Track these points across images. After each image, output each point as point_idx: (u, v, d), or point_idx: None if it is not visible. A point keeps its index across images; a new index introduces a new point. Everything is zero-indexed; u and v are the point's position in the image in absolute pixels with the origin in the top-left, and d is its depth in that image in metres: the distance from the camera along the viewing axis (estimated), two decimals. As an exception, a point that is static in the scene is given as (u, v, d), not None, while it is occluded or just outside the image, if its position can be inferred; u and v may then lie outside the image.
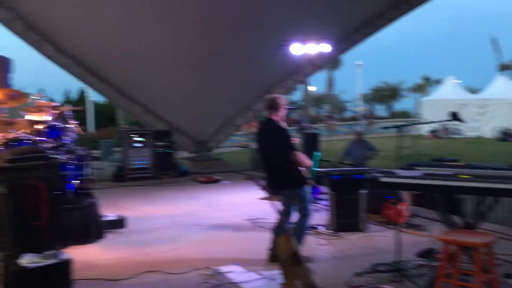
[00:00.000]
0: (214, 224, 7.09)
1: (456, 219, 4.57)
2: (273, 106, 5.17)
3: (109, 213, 6.95)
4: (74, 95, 29.35)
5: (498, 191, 3.94)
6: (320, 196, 8.28)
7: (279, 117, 5.19)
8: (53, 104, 6.92)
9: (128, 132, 11.78)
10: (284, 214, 5.10)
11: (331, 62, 33.51)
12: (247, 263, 5.19)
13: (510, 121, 27.31)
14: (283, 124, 5.20)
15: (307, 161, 5.21)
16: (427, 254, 5.17)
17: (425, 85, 44.03)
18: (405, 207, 6.71)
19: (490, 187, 3.94)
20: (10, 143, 5.44)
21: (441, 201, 4.46)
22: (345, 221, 6.36)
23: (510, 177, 4.01)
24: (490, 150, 20.79)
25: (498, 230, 6.23)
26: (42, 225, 4.17)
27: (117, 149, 16.32)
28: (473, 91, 36.14)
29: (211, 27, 10.44)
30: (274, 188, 5.27)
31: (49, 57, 10.94)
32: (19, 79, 8.77)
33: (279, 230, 4.85)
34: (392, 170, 4.56)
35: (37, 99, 7.41)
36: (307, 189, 5.26)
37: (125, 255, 5.63)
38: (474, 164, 4.49)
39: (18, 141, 5.55)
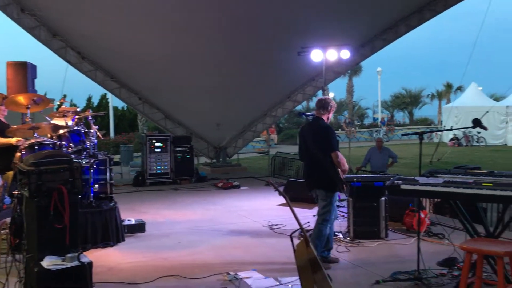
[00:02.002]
0: (232, 230, 7.10)
1: (478, 228, 4.49)
2: (324, 106, 5.39)
3: (129, 217, 7.02)
4: (96, 100, 29.75)
5: (522, 199, 3.86)
6: (339, 203, 8.23)
7: (327, 118, 5.40)
8: (76, 109, 7.03)
9: (148, 137, 11.89)
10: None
11: (351, 69, 33.33)
12: (265, 269, 5.17)
13: (534, 128, 26.78)
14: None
15: (346, 165, 5.27)
16: (448, 263, 5.09)
17: (447, 92, 43.39)
18: (426, 215, 6.62)
19: (514, 195, 3.86)
20: (33, 147, 5.54)
21: (462, 209, 4.39)
22: (364, 228, 6.32)
23: (534, 186, 3.93)
24: (514, 158, 20.38)
25: (522, 239, 6.10)
26: (64, 228, 4.23)
27: (137, 154, 16.52)
28: (497, 98, 35.54)
29: (231, 34, 10.52)
30: (309, 186, 5.44)
31: (72, 63, 11.14)
32: (43, 84, 8.95)
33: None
34: (412, 177, 4.51)
35: (60, 104, 7.56)
36: (337, 195, 5.32)
37: (144, 259, 5.67)
38: (496, 172, 4.42)
39: (41, 145, 5.65)
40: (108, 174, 6.73)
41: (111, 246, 6.12)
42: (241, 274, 4.95)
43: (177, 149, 11.98)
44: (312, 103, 41.72)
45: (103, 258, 5.62)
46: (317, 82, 13.18)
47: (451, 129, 7.37)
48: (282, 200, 4.72)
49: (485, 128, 4.99)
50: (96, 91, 29.91)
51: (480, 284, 3.83)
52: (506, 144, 27.20)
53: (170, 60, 11.17)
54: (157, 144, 11.77)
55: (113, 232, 6.21)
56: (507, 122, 27.66)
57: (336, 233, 6.42)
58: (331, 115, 5.48)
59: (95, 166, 6.34)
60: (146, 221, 7.07)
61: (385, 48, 12.29)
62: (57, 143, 5.99)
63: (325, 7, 9.97)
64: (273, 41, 10.88)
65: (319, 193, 5.31)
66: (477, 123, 4.83)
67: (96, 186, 6.41)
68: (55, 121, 6.72)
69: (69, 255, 4.02)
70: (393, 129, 34.82)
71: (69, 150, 6.10)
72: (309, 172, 5.49)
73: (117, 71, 11.85)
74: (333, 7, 10.03)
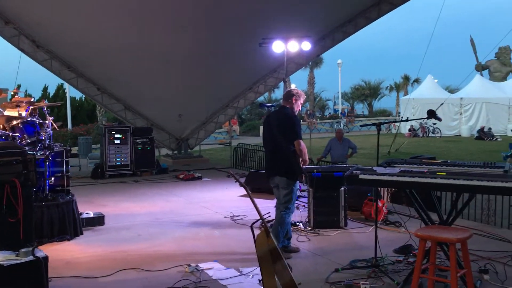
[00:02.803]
0: (194, 221, 7.07)
1: (433, 216, 4.65)
2: (287, 96, 5.53)
3: (87, 211, 6.88)
4: (52, 91, 28.82)
5: (473, 187, 4.01)
6: (300, 193, 8.32)
7: (292, 108, 5.44)
8: (30, 99, 6.80)
9: (107, 128, 11.64)
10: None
11: (312, 60, 33.65)
12: (226, 260, 5.19)
13: (486, 120, 27.91)
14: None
15: (307, 156, 5.33)
16: (404, 250, 5.26)
17: (404, 84, 44.51)
18: (384, 204, 6.80)
19: (465, 184, 4.01)
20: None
21: (417, 198, 4.53)
22: (324, 218, 6.42)
23: (485, 174, 4.09)
24: (467, 148, 21.19)
25: (473, 226, 6.36)
26: (18, 222, 4.10)
27: (96, 146, 16.17)
28: (451, 90, 36.74)
29: (193, 25, 10.39)
30: (270, 173, 5.47)
31: (26, 52, 10.74)
32: (-5, 74, 8.59)
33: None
34: (370, 167, 4.61)
35: (14, 95, 7.30)
36: (297, 184, 5.37)
37: (103, 252, 5.57)
38: (450, 162, 4.57)
39: (-7, 136, 5.44)
40: (64, 166, 6.56)
41: (68, 240, 5.99)
42: (202, 265, 4.94)
43: (138, 140, 11.80)
44: (274, 95, 42.03)
45: (60, 252, 5.49)
46: (278, 73, 13.24)
47: (407, 120, 7.63)
48: (244, 191, 4.75)
49: (439, 119, 5.14)
50: (52, 81, 29.04)
51: (434, 270, 3.96)
52: (460, 135, 28.22)
53: (130, 50, 10.93)
54: (116, 135, 11.54)
55: (70, 226, 6.07)
56: (461, 114, 28.69)
57: (297, 223, 6.51)
58: (298, 106, 5.49)
59: (50, 158, 6.17)
60: (105, 214, 6.96)
61: (346, 40, 12.48)
62: (10, 134, 5.78)
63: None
64: (235, 32, 10.82)
65: (280, 181, 5.35)
66: (431, 114, 4.97)
67: (52, 178, 6.24)
68: (8, 112, 6.49)
69: (23, 249, 3.90)
70: (353, 120, 35.47)
71: (23, 142, 5.91)
72: (271, 159, 5.53)
73: (74, 61, 11.51)
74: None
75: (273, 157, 5.49)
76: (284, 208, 5.33)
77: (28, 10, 9.89)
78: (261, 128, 5.46)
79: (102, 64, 11.53)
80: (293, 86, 43.89)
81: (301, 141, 5.24)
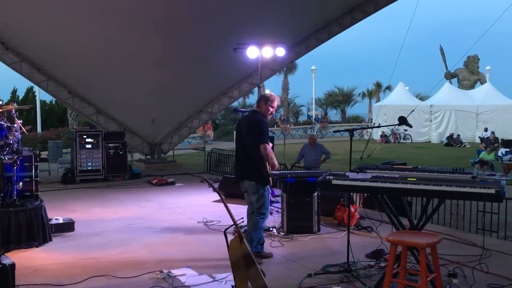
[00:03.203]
0: (166, 227, 7.00)
1: (404, 221, 4.72)
2: (258, 101, 5.62)
3: (56, 216, 6.71)
4: (21, 94, 28.15)
5: (442, 193, 4.09)
6: (274, 198, 8.34)
7: (264, 112, 5.45)
8: (-2, 102, 6.62)
9: (78, 133, 11.42)
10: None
11: (286, 66, 33.85)
12: (199, 266, 5.14)
13: (455, 127, 28.62)
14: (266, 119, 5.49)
15: (275, 161, 5.32)
16: (376, 255, 5.32)
17: (377, 91, 45.22)
18: (356, 209, 6.87)
19: (435, 189, 4.09)
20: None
21: (389, 203, 4.59)
22: (297, 223, 6.44)
23: (454, 180, 4.18)
24: (437, 154, 21.67)
25: (443, 231, 6.49)
26: (-17, 228, 3.98)
27: (67, 150, 15.86)
28: (422, 98, 37.55)
29: (166, 28, 10.31)
30: (239, 178, 5.47)
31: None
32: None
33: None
34: (343, 172, 4.66)
35: (-19, 97, 7.08)
36: (268, 189, 5.38)
37: (72, 259, 5.45)
38: (420, 168, 4.66)
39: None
40: (33, 171, 6.40)
41: (37, 246, 5.83)
42: (175, 272, 4.89)
43: (110, 145, 11.62)
44: (248, 100, 42.08)
45: (28, 259, 5.35)
46: (253, 79, 13.26)
47: (379, 126, 7.78)
48: (217, 196, 4.72)
49: (410, 126, 5.24)
50: (22, 84, 28.26)
51: (404, 274, 4.02)
52: (430, 141, 28.84)
53: (102, 54, 10.78)
54: (88, 140, 11.35)
55: (38, 232, 5.91)
56: (431, 121, 29.34)
57: (270, 228, 6.52)
58: (269, 110, 5.45)
59: (18, 163, 6.01)
60: (75, 219, 6.81)
61: (319, 47, 12.60)
62: (-23, 138, 5.61)
63: (260, 5, 10.03)
64: (209, 37, 10.79)
65: (249, 186, 5.34)
66: (402, 121, 5.06)
67: (20, 184, 6.08)
68: (-26, 115, 6.30)
69: (-12, 257, 3.79)
70: (327, 126, 35.80)
71: (-10, 145, 5.74)
72: (241, 163, 5.53)
73: (45, 63, 11.27)
74: (267, 5, 10.10)
75: (242, 161, 5.51)
76: (258, 214, 5.32)
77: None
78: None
79: (73, 67, 11.32)
80: (267, 92, 44.06)
81: (266, 145, 5.22)
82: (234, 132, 6.17)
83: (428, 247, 3.78)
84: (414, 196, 4.89)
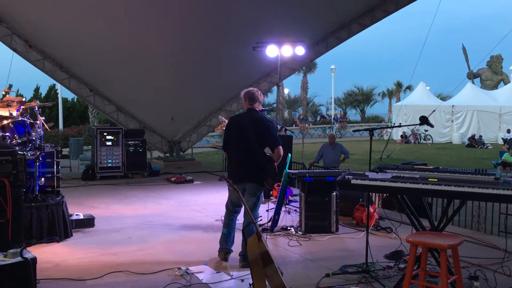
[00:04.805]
0: (184, 225, 7.03)
1: (424, 222, 4.66)
2: (255, 98, 5.25)
3: (77, 212, 6.81)
4: (44, 91, 28.63)
5: (464, 194, 4.02)
6: (291, 197, 8.32)
7: (259, 110, 5.29)
8: (21, 99, 6.74)
9: (99, 130, 11.57)
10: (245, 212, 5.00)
11: (305, 65, 33.74)
12: (217, 264, 5.16)
13: (477, 128, 28.14)
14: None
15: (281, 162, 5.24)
16: (395, 256, 5.26)
17: (397, 91, 44.76)
18: (375, 209, 6.81)
19: (456, 190, 4.02)
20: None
21: (409, 203, 4.53)
22: (316, 222, 6.41)
23: (476, 181, 4.11)
24: (458, 155, 21.32)
25: (464, 233, 6.38)
26: (6, 222, 4.05)
27: (88, 147, 16.07)
28: (443, 98, 37.01)
29: (187, 27, 10.37)
30: (239, 178, 5.10)
31: (18, 52, 10.65)
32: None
33: (249, 231, 4.78)
34: (362, 172, 4.61)
35: (5, 94, 7.22)
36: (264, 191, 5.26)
37: (92, 254, 5.52)
38: (441, 168, 4.59)
39: (-17, 136, 5.39)
40: (55, 167, 6.50)
41: (58, 241, 5.92)
42: (193, 269, 4.91)
43: (129, 142, 11.74)
44: (268, 99, 42.05)
45: (49, 254, 5.43)
46: (272, 77, 13.23)
47: (399, 126, 7.69)
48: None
49: (431, 126, 5.16)
50: (44, 81, 28.73)
51: (424, 276, 3.96)
52: (451, 142, 28.41)
53: (124, 52, 10.89)
54: (108, 137, 11.47)
55: (60, 227, 6.00)
56: (452, 121, 28.90)
57: (288, 227, 6.50)
58: (259, 106, 5.32)
59: (41, 159, 6.11)
60: (95, 216, 6.89)
61: (339, 46, 12.50)
62: (0, 134, 5.72)
63: (280, 3, 10.01)
64: (228, 35, 10.82)
65: (250, 187, 5.13)
66: (424, 120, 4.99)
67: (42, 179, 6.17)
68: (-2, 111, 6.42)
69: (11, 250, 3.86)
70: (346, 125, 35.58)
71: (13, 141, 5.85)
72: (243, 164, 5.20)
73: (67, 61, 11.42)
74: (288, 3, 10.07)
75: (246, 162, 5.16)
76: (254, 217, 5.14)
77: (20, 9, 9.81)
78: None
79: (95, 65, 11.47)
80: (286, 91, 44.06)
81: (280, 147, 5.08)
82: (225, 131, 5.86)
83: (449, 249, 3.72)
84: (435, 197, 4.81)
